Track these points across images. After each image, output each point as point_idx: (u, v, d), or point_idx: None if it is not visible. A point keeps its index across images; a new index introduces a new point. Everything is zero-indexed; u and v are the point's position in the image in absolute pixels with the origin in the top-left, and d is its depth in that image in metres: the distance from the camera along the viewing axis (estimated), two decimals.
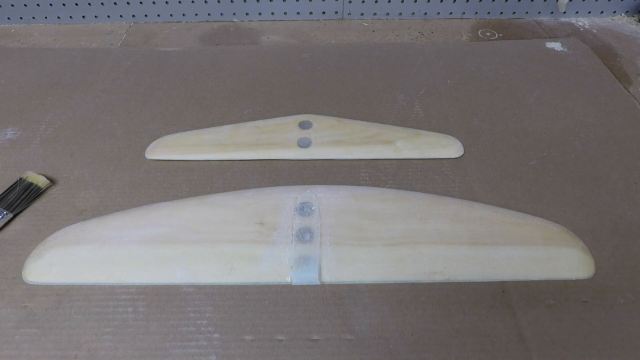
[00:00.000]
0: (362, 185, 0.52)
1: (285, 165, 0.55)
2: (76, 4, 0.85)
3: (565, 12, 0.87)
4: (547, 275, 0.43)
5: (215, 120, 0.62)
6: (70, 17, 0.86)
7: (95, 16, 0.86)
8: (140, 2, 0.85)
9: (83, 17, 0.86)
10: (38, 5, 0.84)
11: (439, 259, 0.44)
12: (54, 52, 0.77)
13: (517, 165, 0.54)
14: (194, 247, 0.45)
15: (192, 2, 0.85)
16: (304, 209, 0.48)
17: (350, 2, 0.86)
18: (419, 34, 0.84)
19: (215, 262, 0.44)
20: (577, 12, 0.87)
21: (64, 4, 0.84)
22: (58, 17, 0.86)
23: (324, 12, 0.88)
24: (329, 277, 0.43)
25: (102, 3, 0.85)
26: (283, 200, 0.49)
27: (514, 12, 0.88)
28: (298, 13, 0.88)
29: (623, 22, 0.86)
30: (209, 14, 0.87)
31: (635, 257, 0.45)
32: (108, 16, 0.87)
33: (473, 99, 0.65)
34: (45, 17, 0.86)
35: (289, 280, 0.43)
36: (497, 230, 0.46)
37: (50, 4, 0.84)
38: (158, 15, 0.87)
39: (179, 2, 0.85)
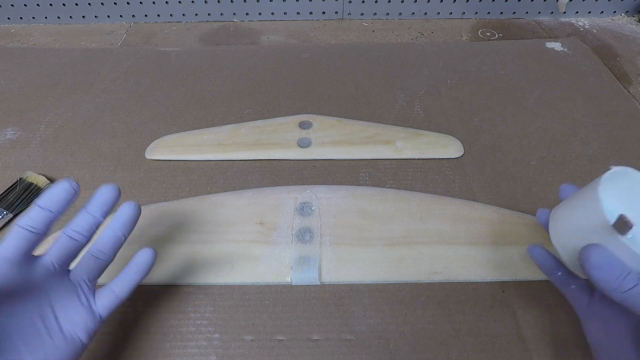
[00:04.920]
0: (362, 185, 0.52)
1: (285, 165, 0.55)
2: (76, 4, 0.85)
3: (565, 12, 0.87)
4: None
5: (215, 120, 0.62)
6: (70, 17, 0.86)
7: (95, 16, 0.86)
8: (140, 2, 0.85)
9: (83, 17, 0.86)
10: (38, 5, 0.84)
11: (439, 259, 0.44)
12: (54, 52, 0.77)
13: (517, 165, 0.54)
14: (194, 247, 0.45)
15: (192, 2, 0.85)
16: (304, 209, 0.48)
17: (350, 2, 0.86)
18: (419, 34, 0.84)
19: (215, 262, 0.44)
20: (577, 12, 0.87)
21: (64, 4, 0.84)
22: (58, 17, 0.86)
23: (324, 12, 0.88)
24: (329, 277, 0.43)
25: (102, 3, 0.85)
26: (283, 200, 0.49)
27: (514, 12, 0.88)
28: (298, 13, 0.88)
29: (623, 22, 0.86)
30: (209, 14, 0.87)
31: None
32: (108, 16, 0.87)
33: (473, 99, 0.65)
34: (45, 17, 0.86)
35: (289, 280, 0.43)
36: (497, 230, 0.46)
37: (50, 4, 0.84)
38: (158, 15, 0.87)
39: (179, 2, 0.85)
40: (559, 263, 0.35)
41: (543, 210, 0.36)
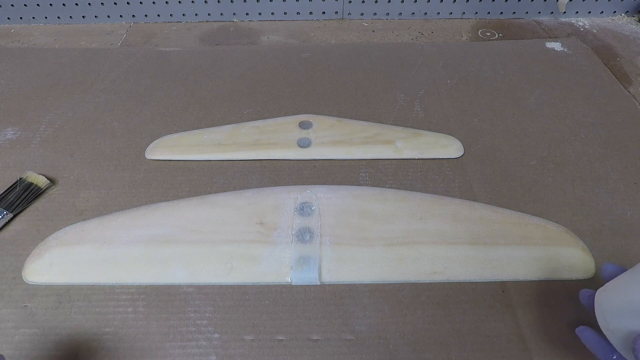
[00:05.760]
0: (362, 185, 0.52)
1: (285, 165, 0.55)
2: (76, 4, 0.85)
3: (565, 12, 0.87)
4: (547, 275, 0.43)
5: (215, 120, 0.62)
6: (70, 17, 0.86)
7: (95, 16, 0.86)
8: (140, 2, 0.85)
9: (83, 17, 0.86)
10: (38, 5, 0.84)
11: (439, 259, 0.44)
12: (54, 52, 0.77)
13: (517, 165, 0.54)
14: (194, 247, 0.45)
15: (192, 2, 0.85)
16: (304, 209, 0.48)
17: (350, 2, 0.86)
18: (419, 34, 0.84)
19: (215, 262, 0.44)
20: (577, 12, 0.87)
21: (64, 4, 0.84)
22: (58, 17, 0.86)
23: (324, 12, 0.88)
24: (329, 277, 0.43)
25: (102, 3, 0.85)
26: (283, 200, 0.49)
27: (514, 12, 0.88)
28: (298, 13, 0.88)
29: (623, 22, 0.86)
30: (209, 14, 0.87)
31: (635, 257, 0.45)
32: (108, 16, 0.87)
33: (473, 99, 0.65)
34: (45, 17, 0.86)
35: (289, 280, 0.43)
36: (497, 230, 0.46)
37: (50, 4, 0.84)
38: (158, 15, 0.87)
39: (179, 2, 0.85)
40: (612, 346, 0.33)
41: (586, 291, 0.36)
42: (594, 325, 0.33)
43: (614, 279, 0.32)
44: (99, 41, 0.82)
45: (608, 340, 0.32)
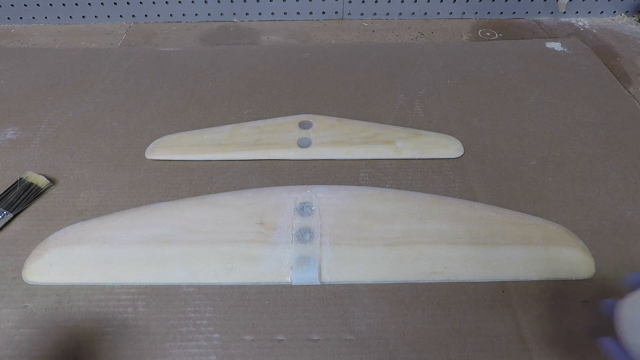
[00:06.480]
0: (362, 185, 0.52)
1: (285, 165, 0.55)
2: (76, 4, 0.85)
3: (565, 12, 0.87)
4: (547, 275, 0.43)
5: (215, 120, 0.62)
6: (70, 17, 0.86)
7: (95, 16, 0.86)
8: (140, 2, 0.85)
9: (83, 17, 0.86)
10: (38, 5, 0.84)
11: (439, 259, 0.44)
12: (54, 52, 0.77)
13: (517, 165, 0.54)
14: (194, 247, 0.45)
15: (192, 2, 0.85)
16: (304, 209, 0.48)
17: (350, 2, 0.86)
18: (419, 34, 0.84)
19: (215, 262, 0.44)
20: (577, 12, 0.87)
21: (64, 4, 0.84)
22: (58, 17, 0.86)
23: (324, 12, 0.88)
24: (329, 277, 0.43)
25: (102, 3, 0.85)
26: (283, 200, 0.49)
27: (514, 12, 0.88)
28: (298, 13, 0.88)
29: (623, 22, 0.86)
30: (209, 14, 0.87)
31: (635, 257, 0.45)
32: (108, 16, 0.87)
33: (473, 99, 0.65)
34: (45, 17, 0.86)
35: (289, 280, 0.43)
36: (497, 230, 0.46)
37: (50, 4, 0.84)
38: (158, 15, 0.87)
39: (179, 2, 0.85)
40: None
41: (608, 301, 0.35)
42: (609, 332, 0.32)
43: (637, 293, 0.31)
44: (99, 41, 0.82)
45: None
